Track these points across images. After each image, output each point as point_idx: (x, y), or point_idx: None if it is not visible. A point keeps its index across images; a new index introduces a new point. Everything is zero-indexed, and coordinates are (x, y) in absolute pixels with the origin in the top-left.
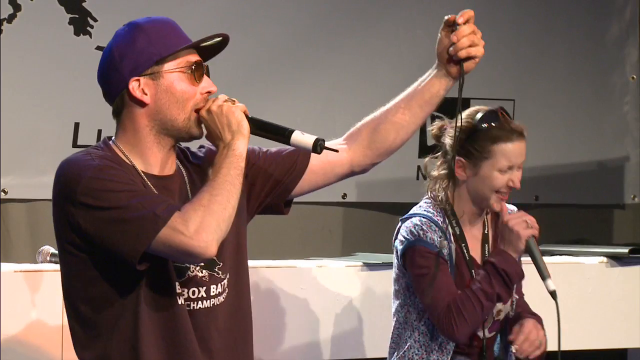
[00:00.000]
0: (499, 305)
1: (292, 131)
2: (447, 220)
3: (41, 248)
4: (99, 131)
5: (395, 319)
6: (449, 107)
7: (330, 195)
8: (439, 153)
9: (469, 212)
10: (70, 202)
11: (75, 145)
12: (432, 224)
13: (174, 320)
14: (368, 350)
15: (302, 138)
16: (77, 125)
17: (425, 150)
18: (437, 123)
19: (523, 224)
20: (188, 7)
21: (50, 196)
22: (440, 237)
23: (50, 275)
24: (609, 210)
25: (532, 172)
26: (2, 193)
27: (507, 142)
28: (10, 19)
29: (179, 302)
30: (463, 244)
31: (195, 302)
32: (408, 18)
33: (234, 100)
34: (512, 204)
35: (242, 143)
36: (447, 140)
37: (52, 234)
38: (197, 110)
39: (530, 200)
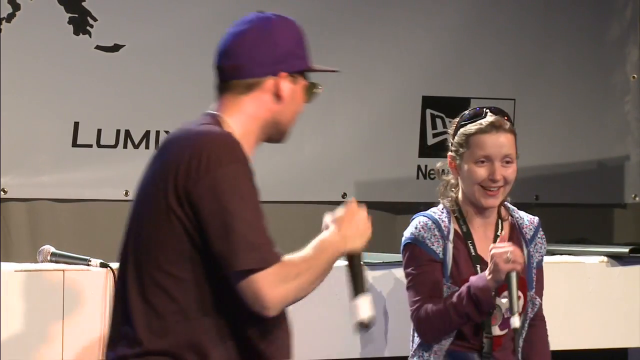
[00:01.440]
0: (503, 302)
1: (362, 293)
2: (452, 219)
3: (41, 247)
4: (99, 130)
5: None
6: (449, 106)
7: (331, 195)
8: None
9: (472, 211)
10: (200, 179)
11: (75, 144)
12: (433, 223)
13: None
14: (367, 350)
15: (361, 308)
16: (76, 124)
17: (425, 150)
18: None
19: (503, 256)
20: (187, 7)
21: (49, 196)
22: (436, 237)
23: (50, 275)
24: (609, 210)
25: (532, 172)
26: (1, 192)
27: (482, 133)
28: (10, 18)
29: None
30: (469, 241)
31: None
32: (408, 18)
33: None
34: (512, 204)
35: (356, 248)
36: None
37: (52, 233)
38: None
39: (530, 199)
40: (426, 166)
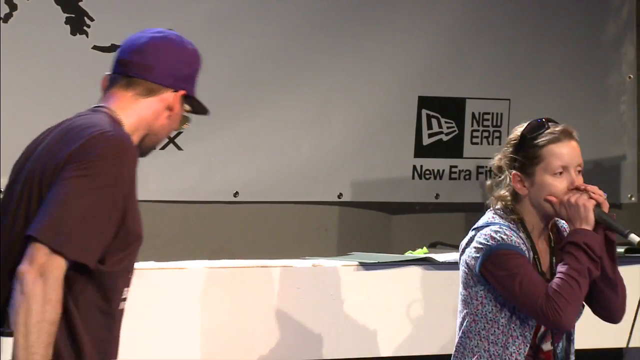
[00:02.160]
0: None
1: (630, 232)
2: (520, 232)
3: None
4: None
5: (460, 329)
6: (444, 106)
7: (326, 195)
8: (502, 178)
9: (537, 226)
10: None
11: None
12: (512, 231)
13: None
14: (363, 350)
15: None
16: None
17: (421, 150)
18: (497, 156)
19: (583, 195)
20: (184, 7)
21: None
22: (522, 244)
23: None
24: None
25: None
26: (0, 194)
27: (555, 142)
28: (7, 18)
29: None
30: (536, 256)
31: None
32: (406, 20)
33: None
34: None
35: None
36: (504, 162)
37: None
38: None
39: None
40: (421, 166)
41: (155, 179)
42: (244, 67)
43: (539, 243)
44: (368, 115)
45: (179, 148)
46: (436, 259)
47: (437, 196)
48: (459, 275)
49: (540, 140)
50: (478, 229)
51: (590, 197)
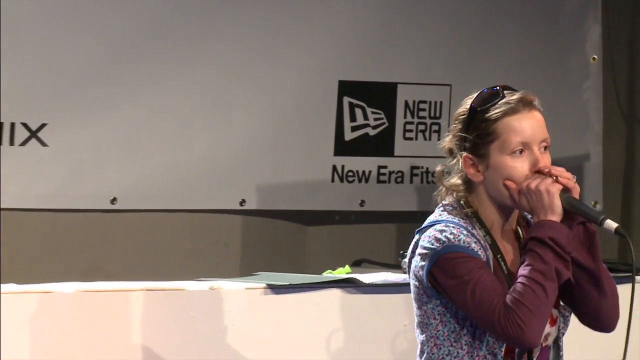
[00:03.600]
0: (554, 312)
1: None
2: (476, 229)
3: None
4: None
5: (420, 357)
6: (371, 93)
7: (226, 202)
8: (453, 162)
9: (497, 220)
10: None
11: None
12: (462, 228)
13: None
14: None
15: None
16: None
17: (342, 147)
18: (447, 136)
19: (547, 179)
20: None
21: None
22: (475, 242)
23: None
24: None
25: None
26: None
27: (512, 114)
28: None
29: None
30: (499, 256)
31: None
32: None
33: None
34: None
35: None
36: (454, 142)
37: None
38: None
39: None
40: (343, 167)
41: (13, 182)
42: (120, 45)
43: (503, 240)
44: (276, 105)
45: (43, 144)
46: (361, 279)
47: (362, 203)
48: (392, 299)
49: (493, 112)
50: (422, 231)
51: (556, 181)
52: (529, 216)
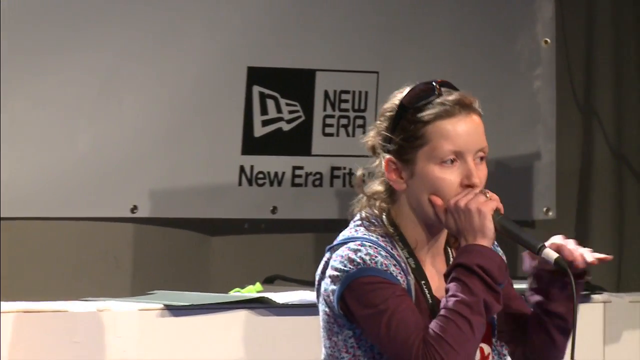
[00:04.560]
0: (486, 349)
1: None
2: (397, 249)
3: None
4: None
5: None
6: (286, 82)
7: (114, 209)
8: (377, 163)
9: (423, 238)
10: None
11: None
12: (379, 248)
13: None
14: None
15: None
16: None
17: (252, 144)
18: (371, 131)
19: (479, 196)
20: None
21: None
22: (394, 265)
23: None
24: None
25: None
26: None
27: (447, 116)
28: None
29: None
30: (423, 282)
31: None
32: None
33: None
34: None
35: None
36: (378, 141)
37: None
38: None
39: None
40: (252, 167)
41: None
42: None
43: (430, 263)
44: (174, 95)
45: None
46: (274, 299)
47: (274, 210)
48: (311, 322)
49: (425, 113)
50: (334, 249)
51: (489, 199)
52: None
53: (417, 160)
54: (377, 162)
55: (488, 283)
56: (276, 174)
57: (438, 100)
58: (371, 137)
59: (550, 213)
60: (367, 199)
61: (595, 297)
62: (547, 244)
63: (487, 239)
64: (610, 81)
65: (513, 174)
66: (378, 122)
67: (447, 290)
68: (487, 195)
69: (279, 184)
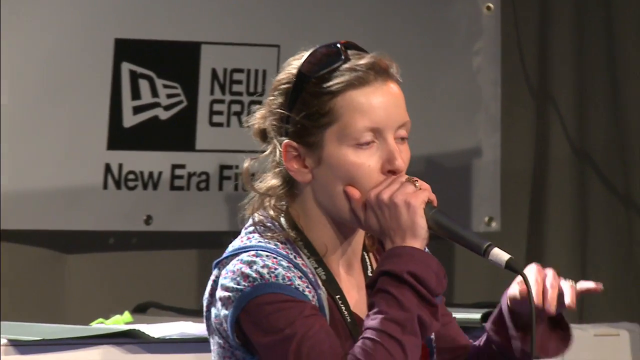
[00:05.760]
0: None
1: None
2: (302, 257)
3: None
4: None
5: None
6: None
7: None
8: (269, 151)
9: (333, 242)
10: None
11: None
12: (279, 257)
13: None
14: None
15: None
16: None
17: (120, 136)
18: (259, 110)
19: (407, 185)
20: None
21: None
22: (300, 277)
23: None
24: (447, 245)
25: None
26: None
27: (360, 86)
28: None
29: None
30: (338, 296)
31: None
32: None
33: None
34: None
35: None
36: (270, 122)
37: None
38: None
39: None
40: (121, 166)
41: None
42: None
43: (345, 272)
44: (22, 75)
45: None
46: (147, 332)
47: (148, 220)
48: (189, 358)
49: (332, 82)
50: (222, 263)
51: (419, 189)
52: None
53: (324, 142)
54: (270, 149)
55: (422, 295)
56: (151, 174)
57: (346, 65)
58: (259, 118)
59: (494, 224)
60: (260, 197)
61: None
62: (516, 282)
63: (418, 239)
64: (570, 58)
65: (446, 175)
66: (271, 97)
67: (370, 306)
68: (417, 185)
69: (155, 187)
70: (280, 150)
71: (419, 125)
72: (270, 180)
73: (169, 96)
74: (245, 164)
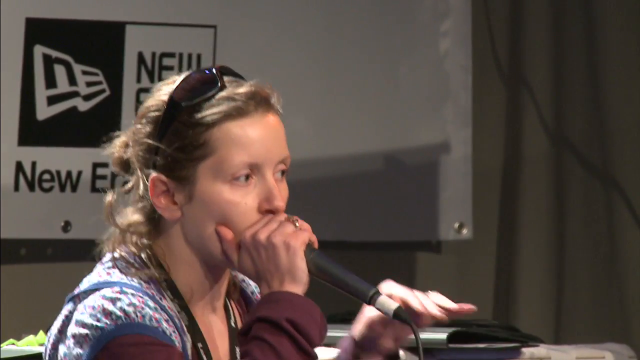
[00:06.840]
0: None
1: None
2: (167, 299)
3: None
4: None
5: None
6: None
7: None
8: (131, 184)
9: (200, 286)
10: None
11: None
12: (145, 297)
13: None
14: None
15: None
16: None
17: (33, 131)
18: (120, 138)
19: (286, 226)
20: None
21: None
22: (166, 321)
23: None
24: (410, 255)
25: None
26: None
27: (237, 117)
28: None
29: None
30: (200, 345)
31: None
32: None
33: None
34: None
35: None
36: (135, 152)
37: None
38: None
39: None
40: (34, 164)
41: None
42: None
43: (207, 319)
44: None
45: None
46: None
47: (66, 227)
48: None
49: (208, 112)
50: (78, 298)
51: (299, 229)
52: (249, 283)
53: (197, 177)
54: (133, 181)
55: (301, 345)
56: (69, 174)
57: (223, 93)
58: (120, 146)
59: (465, 231)
60: (121, 233)
61: (527, 351)
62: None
63: (298, 283)
64: (548, 42)
65: (410, 175)
66: (138, 125)
67: (243, 354)
68: (297, 224)
69: (74, 188)
70: (145, 184)
71: (378, 118)
72: (132, 216)
73: (89, 84)
74: (108, 198)
